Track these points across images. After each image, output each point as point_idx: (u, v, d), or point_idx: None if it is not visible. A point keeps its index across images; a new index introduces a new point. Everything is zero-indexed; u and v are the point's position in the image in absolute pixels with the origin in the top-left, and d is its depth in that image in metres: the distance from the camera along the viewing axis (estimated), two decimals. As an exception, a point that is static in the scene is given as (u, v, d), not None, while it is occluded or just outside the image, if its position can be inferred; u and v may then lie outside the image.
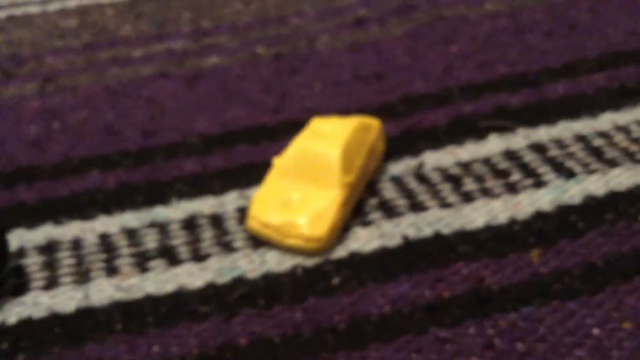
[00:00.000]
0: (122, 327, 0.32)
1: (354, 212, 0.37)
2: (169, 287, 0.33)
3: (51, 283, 0.34)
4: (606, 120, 0.42)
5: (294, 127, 0.43)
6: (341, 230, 0.35)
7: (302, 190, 0.36)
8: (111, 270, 0.35)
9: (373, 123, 0.39)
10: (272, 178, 0.37)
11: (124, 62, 0.52)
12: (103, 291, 0.33)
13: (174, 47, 0.53)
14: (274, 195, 0.36)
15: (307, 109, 0.45)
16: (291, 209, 0.35)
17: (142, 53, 0.53)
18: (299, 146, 0.37)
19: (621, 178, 0.37)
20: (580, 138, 0.40)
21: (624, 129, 0.41)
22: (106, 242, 0.36)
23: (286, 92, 0.47)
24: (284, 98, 0.46)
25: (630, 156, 0.39)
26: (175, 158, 0.42)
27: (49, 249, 0.36)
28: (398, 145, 0.41)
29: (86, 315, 0.32)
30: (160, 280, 0.34)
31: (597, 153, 0.39)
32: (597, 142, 0.40)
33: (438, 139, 0.41)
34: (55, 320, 0.32)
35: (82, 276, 0.34)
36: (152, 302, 0.33)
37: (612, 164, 0.38)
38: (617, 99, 0.43)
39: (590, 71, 0.46)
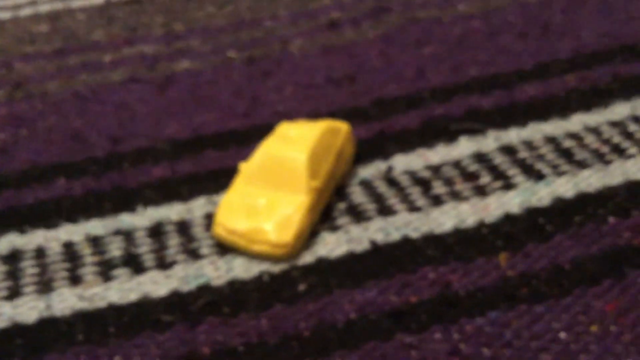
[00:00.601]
0: (84, 337, 0.31)
1: (322, 217, 0.36)
2: (132, 296, 0.33)
3: (14, 293, 0.34)
4: (577, 122, 0.41)
5: (265, 131, 0.43)
6: (308, 236, 0.35)
7: (269, 196, 0.35)
8: (74, 280, 0.34)
9: (341, 127, 0.39)
10: (239, 184, 0.36)
11: (94, 68, 0.51)
12: (65, 301, 0.33)
13: (145, 52, 0.53)
14: (240, 201, 0.35)
15: (278, 113, 0.45)
16: (257, 214, 0.35)
17: (113, 58, 0.52)
18: (265, 151, 0.36)
19: (591, 179, 0.37)
20: (551, 140, 0.40)
21: (594, 130, 0.41)
22: (70, 251, 0.36)
23: (257, 97, 0.46)
24: (255, 102, 0.46)
25: (601, 157, 0.39)
26: (144, 164, 0.41)
27: (13, 258, 0.36)
28: (368, 148, 0.41)
29: (48, 325, 0.32)
30: (124, 289, 0.33)
31: (567, 155, 0.39)
32: (567, 143, 0.40)
33: (409, 142, 0.41)
34: (16, 330, 0.32)
35: (45, 286, 0.34)
36: (114, 312, 0.32)
37: (582, 165, 0.38)
38: (589, 100, 0.43)
39: (562, 72, 0.46)
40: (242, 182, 0.36)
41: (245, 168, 0.36)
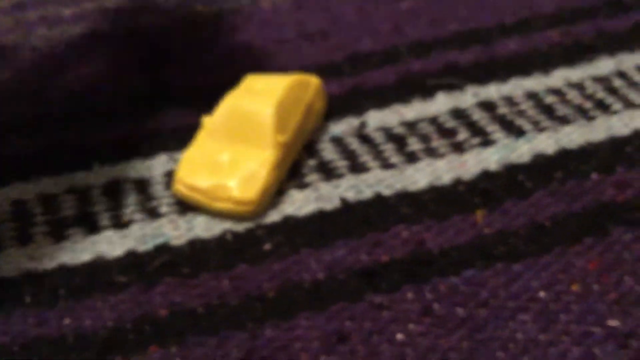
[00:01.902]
0: (31, 299, 0.29)
1: (290, 174, 0.34)
2: (85, 257, 0.31)
3: (-42, 254, 0.31)
4: (559, 77, 0.39)
5: (231, 88, 0.41)
6: (275, 193, 0.33)
7: (233, 151, 0.33)
8: (23, 239, 0.32)
9: (311, 80, 0.37)
10: (201, 138, 0.34)
11: (52, 22, 0.48)
12: (13, 261, 0.31)
13: (107, 5, 0.50)
14: (202, 156, 0.33)
15: (246, 68, 0.42)
16: (220, 170, 0.32)
17: (73, 12, 0.49)
18: (229, 104, 0.34)
19: (573, 135, 0.35)
20: (532, 95, 0.38)
21: (577, 86, 0.39)
22: (20, 210, 0.33)
23: (225, 52, 0.44)
24: (223, 58, 0.43)
25: (584, 113, 0.37)
26: (102, 121, 0.39)
27: (-42, 218, 0.33)
28: (341, 104, 0.39)
29: (-7, 287, 0.30)
30: (77, 250, 0.31)
31: (548, 110, 0.37)
32: (549, 99, 0.38)
33: (384, 98, 0.39)
34: (-42, 293, 0.30)
35: (-8, 246, 0.32)
36: (65, 273, 0.30)
37: (564, 121, 0.36)
38: (572, 56, 0.41)
39: (544, 27, 0.44)
40: (205, 137, 0.34)
41: (209, 122, 0.34)
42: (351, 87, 0.40)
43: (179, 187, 0.33)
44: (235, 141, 0.33)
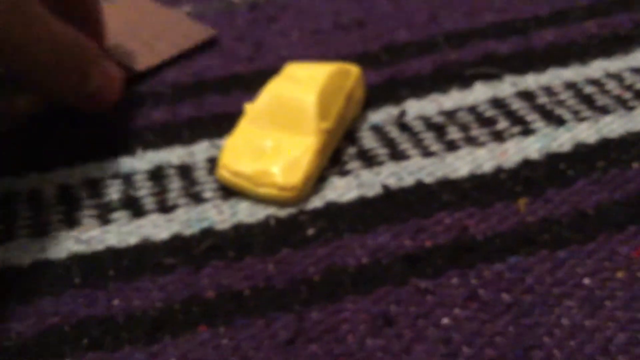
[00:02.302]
0: (81, 280, 0.30)
1: (331, 161, 0.34)
2: (132, 240, 0.31)
3: (6, 236, 0.32)
4: (597, 68, 0.39)
5: (269, 76, 0.41)
6: (317, 180, 0.33)
7: (276, 138, 0.33)
8: (70, 223, 0.32)
9: (352, 69, 0.37)
10: (244, 125, 0.34)
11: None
12: (61, 244, 0.31)
13: (144, -4, 0.50)
14: (245, 142, 0.33)
15: (283, 58, 0.43)
16: (264, 156, 0.33)
17: None
18: (272, 91, 0.34)
19: (613, 125, 0.35)
20: (571, 86, 0.38)
21: (616, 77, 0.39)
22: (66, 194, 0.34)
23: (261, 42, 0.44)
24: (259, 47, 0.44)
25: (623, 103, 0.37)
26: (144, 107, 0.39)
27: (6, 201, 0.34)
28: (379, 94, 0.39)
29: (43, 268, 0.30)
30: (123, 233, 0.32)
31: (588, 100, 0.37)
32: (588, 89, 0.38)
33: (421, 87, 0.39)
34: (10, 273, 0.30)
35: (39, 228, 0.32)
36: (113, 255, 0.30)
37: (604, 111, 0.36)
38: (609, 47, 0.41)
39: (581, 19, 0.44)
40: (248, 124, 0.34)
41: (251, 109, 0.34)
42: (389, 76, 0.40)
43: (223, 173, 0.33)
44: (278, 128, 0.34)
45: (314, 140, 0.33)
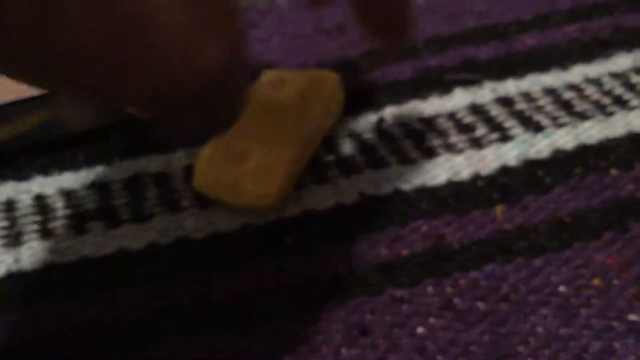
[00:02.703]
0: (55, 291, 0.29)
1: (309, 169, 0.34)
2: (107, 250, 0.31)
3: (-19, 247, 0.32)
4: (577, 73, 0.39)
5: (252, 82, 0.41)
6: (294, 187, 0.33)
7: (252, 145, 0.33)
8: (45, 233, 0.32)
9: (329, 76, 0.37)
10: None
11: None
12: (36, 254, 0.31)
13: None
14: (222, 151, 0.33)
15: (264, 64, 0.42)
16: (241, 165, 0.33)
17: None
18: (248, 99, 0.34)
19: (592, 131, 0.35)
20: (550, 91, 0.38)
21: (595, 82, 0.39)
22: (42, 204, 0.34)
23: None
24: (240, 53, 0.44)
25: (602, 109, 0.37)
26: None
27: (-19, 211, 0.34)
28: (359, 100, 0.39)
29: (16, 279, 0.30)
30: (99, 243, 0.31)
31: (567, 106, 0.37)
32: (567, 95, 0.38)
33: (401, 93, 0.39)
34: (-18, 285, 0.30)
35: (14, 239, 0.32)
36: (88, 265, 0.30)
37: (583, 117, 0.36)
38: (590, 51, 0.41)
39: (562, 23, 0.44)
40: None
41: None
42: (368, 82, 0.40)
43: (200, 182, 0.33)
44: (255, 136, 0.33)
45: (291, 148, 0.33)
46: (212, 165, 0.33)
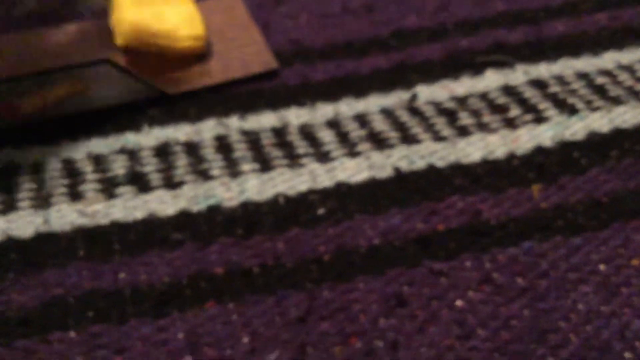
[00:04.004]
0: (85, 253, 0.29)
1: (340, 142, 0.34)
2: (138, 214, 0.30)
3: (8, 207, 0.31)
4: (609, 59, 0.39)
5: (278, 57, 0.40)
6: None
7: (162, 7, 0.38)
8: (74, 196, 0.32)
9: None
10: (126, 4, 0.38)
11: None
12: (65, 217, 0.30)
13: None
14: (141, 13, 0.37)
15: (291, 40, 0.42)
16: (163, 20, 0.37)
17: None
18: None
19: (626, 116, 0.35)
20: (583, 76, 0.38)
21: (628, 68, 0.38)
22: (70, 168, 0.33)
23: (268, 24, 0.44)
24: (267, 29, 0.43)
25: (636, 95, 0.36)
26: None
27: (7, 172, 0.33)
28: (389, 78, 0.38)
29: (46, 240, 0.29)
30: (129, 207, 0.31)
31: (600, 91, 0.37)
32: (600, 80, 0.38)
33: (432, 73, 0.39)
34: (11, 244, 0.29)
35: (43, 201, 0.31)
36: (118, 229, 0.30)
37: (617, 101, 0.36)
38: (621, 39, 0.41)
39: (592, 10, 0.43)
40: (130, 3, 0.38)
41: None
42: (398, 61, 0.40)
43: (131, 29, 0.37)
44: (157, 3, 0.38)
45: (190, 4, 0.39)
46: (139, 18, 0.37)
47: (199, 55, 0.39)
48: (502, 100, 0.36)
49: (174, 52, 0.38)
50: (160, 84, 0.37)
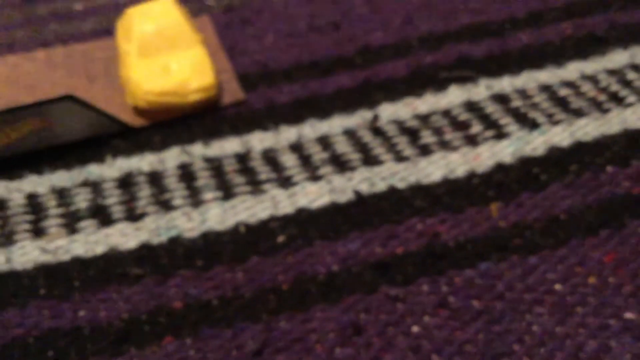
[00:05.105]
0: (46, 291, 0.29)
1: (302, 166, 0.34)
2: (98, 249, 0.31)
3: (-29, 246, 0.31)
4: (573, 70, 0.39)
5: (243, 80, 0.40)
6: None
7: (169, 57, 0.38)
8: (37, 232, 0.32)
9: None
10: (134, 59, 0.38)
11: (64, 17, 0.48)
12: (27, 254, 0.31)
13: (118, 0, 0.50)
14: (148, 69, 0.37)
15: (257, 62, 0.42)
16: (169, 74, 0.37)
17: (84, 7, 0.49)
18: (141, 25, 0.38)
19: (588, 128, 0.35)
20: (545, 88, 0.38)
21: (591, 78, 0.38)
22: (34, 203, 0.33)
23: (235, 45, 0.44)
24: (233, 51, 0.43)
25: (598, 106, 0.36)
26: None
27: (-28, 210, 0.33)
28: (353, 97, 0.39)
29: (8, 279, 0.30)
30: (90, 242, 0.31)
31: (562, 103, 0.37)
32: (563, 92, 0.38)
33: (396, 90, 0.39)
34: (-27, 285, 0.30)
35: (5, 238, 0.31)
36: (79, 265, 0.30)
37: (579, 114, 0.36)
38: (585, 48, 0.41)
39: (556, 20, 0.43)
40: (136, 57, 0.38)
41: (132, 47, 0.38)
42: (363, 79, 0.40)
43: (149, 97, 0.36)
44: (165, 51, 0.38)
45: (199, 48, 0.38)
46: (149, 81, 0.37)
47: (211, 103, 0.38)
48: (464, 116, 0.36)
49: (185, 107, 0.37)
50: (126, 117, 0.37)
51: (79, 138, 0.36)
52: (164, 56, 0.38)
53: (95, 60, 0.42)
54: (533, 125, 0.35)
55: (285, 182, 0.33)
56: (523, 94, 0.38)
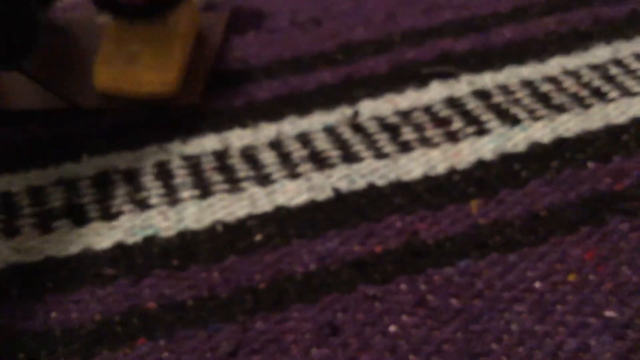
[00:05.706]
0: (18, 292, 0.28)
1: (281, 164, 0.34)
2: (72, 249, 0.30)
3: (-57, 247, 0.31)
4: (555, 65, 0.39)
5: (224, 78, 0.40)
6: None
7: (141, 44, 0.37)
8: (10, 232, 0.31)
9: None
10: (106, 42, 0.37)
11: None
12: (0, 254, 0.30)
13: None
14: (115, 53, 0.37)
15: (238, 58, 0.42)
16: (136, 62, 0.36)
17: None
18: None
19: (569, 124, 0.35)
20: (527, 84, 0.38)
21: (574, 74, 0.38)
22: (7, 202, 0.33)
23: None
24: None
25: (580, 101, 0.36)
26: (91, 113, 0.38)
27: (-56, 210, 0.33)
28: (334, 93, 0.38)
29: (-22, 281, 0.29)
30: (64, 242, 0.30)
31: (544, 99, 0.36)
32: (545, 87, 0.37)
33: (377, 86, 0.38)
34: (-57, 287, 0.29)
35: (-23, 239, 0.31)
36: (52, 265, 0.29)
37: (560, 109, 0.36)
38: (568, 43, 0.41)
39: (540, 15, 0.43)
40: (111, 40, 0.37)
41: (109, 30, 0.38)
42: (344, 76, 0.39)
43: (103, 79, 0.36)
44: (138, 40, 0.37)
45: (178, 43, 0.38)
46: (111, 65, 0.36)
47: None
48: (445, 112, 0.36)
49: (138, 95, 0.36)
50: (76, 97, 0.37)
51: (27, 108, 0.36)
52: (136, 44, 0.37)
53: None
54: (514, 121, 0.35)
55: (264, 179, 0.33)
56: (505, 89, 0.37)
